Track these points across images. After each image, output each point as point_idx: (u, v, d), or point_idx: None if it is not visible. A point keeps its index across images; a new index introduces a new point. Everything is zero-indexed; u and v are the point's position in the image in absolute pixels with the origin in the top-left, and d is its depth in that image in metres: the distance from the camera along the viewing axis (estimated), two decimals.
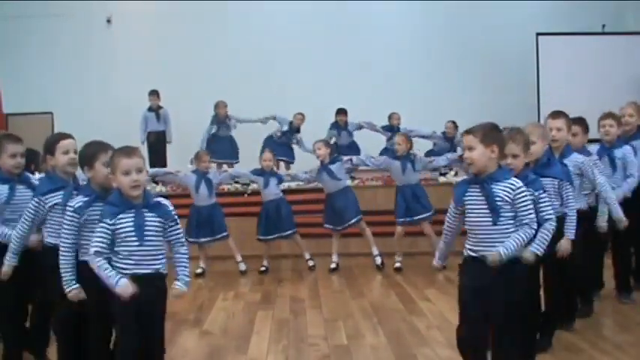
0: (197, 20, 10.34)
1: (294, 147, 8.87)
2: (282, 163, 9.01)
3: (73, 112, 9.79)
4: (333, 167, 6.25)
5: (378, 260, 6.33)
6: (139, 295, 2.79)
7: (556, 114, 3.81)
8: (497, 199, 2.81)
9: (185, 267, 2.98)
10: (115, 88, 10.03)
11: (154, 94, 9.01)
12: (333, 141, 8.89)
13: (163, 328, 3.01)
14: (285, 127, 8.78)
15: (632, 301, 4.66)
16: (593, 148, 4.65)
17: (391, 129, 8.66)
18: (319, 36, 10.33)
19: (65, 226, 3.01)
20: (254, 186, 7.18)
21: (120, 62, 10.25)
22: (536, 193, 3.04)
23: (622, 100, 5.11)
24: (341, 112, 8.75)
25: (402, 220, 6.21)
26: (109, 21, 10.45)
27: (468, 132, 2.89)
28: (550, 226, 3.00)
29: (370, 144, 8.56)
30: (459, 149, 6.69)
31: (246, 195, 7.12)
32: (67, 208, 3.03)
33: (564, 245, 3.49)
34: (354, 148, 8.56)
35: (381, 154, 8.51)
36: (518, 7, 10.33)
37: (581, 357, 3.60)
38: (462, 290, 2.96)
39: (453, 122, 8.54)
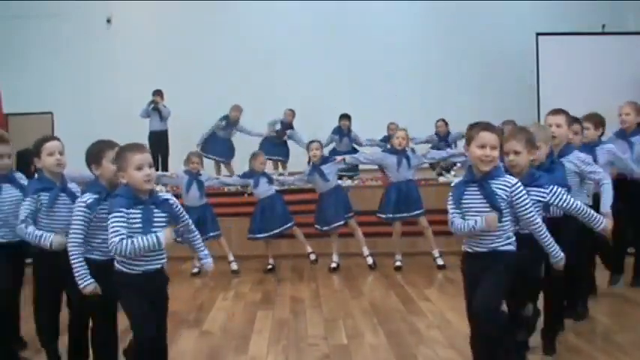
0: (197, 20, 10.35)
1: (290, 146, 8.84)
2: (278, 163, 9.04)
3: (73, 112, 9.82)
4: (324, 167, 6.27)
5: (370, 260, 6.35)
6: (151, 290, 2.86)
7: (556, 111, 3.78)
8: (497, 197, 2.83)
9: (203, 245, 3.21)
10: (115, 88, 10.04)
11: (158, 93, 9.01)
12: (332, 146, 8.88)
13: (166, 325, 3.05)
14: (278, 126, 8.78)
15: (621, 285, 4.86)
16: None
17: (390, 139, 8.65)
18: (319, 36, 10.35)
19: (76, 222, 3.02)
20: None
21: (120, 62, 10.26)
22: (547, 190, 3.05)
23: (622, 100, 5.14)
24: (344, 117, 8.72)
25: (386, 216, 6.20)
26: (109, 21, 10.47)
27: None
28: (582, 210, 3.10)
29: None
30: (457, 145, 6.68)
31: (246, 195, 7.10)
32: (79, 203, 3.04)
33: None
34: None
35: None
36: (518, 7, 10.34)
37: (582, 358, 3.60)
38: (465, 288, 3.00)
39: (443, 120, 8.58)
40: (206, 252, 3.20)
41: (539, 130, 3.45)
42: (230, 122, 8.78)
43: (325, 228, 6.31)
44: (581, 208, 3.09)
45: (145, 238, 2.75)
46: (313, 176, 6.31)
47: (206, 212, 6.31)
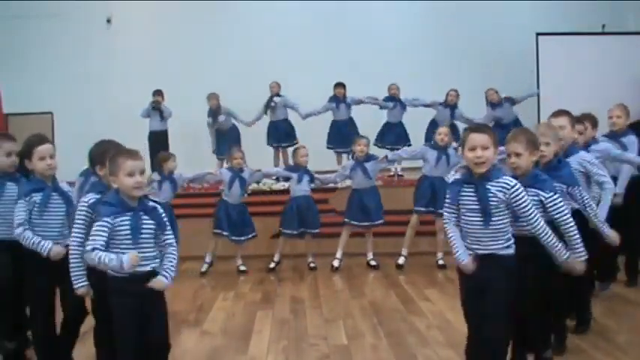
0: (197, 20, 10.35)
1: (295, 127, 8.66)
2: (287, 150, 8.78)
3: (73, 112, 9.81)
4: (368, 165, 6.30)
5: (373, 262, 6.38)
6: (138, 294, 2.83)
7: (558, 112, 3.79)
8: (494, 200, 2.82)
9: (172, 263, 2.95)
10: (115, 88, 10.03)
11: (159, 93, 8.99)
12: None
13: (167, 323, 3.03)
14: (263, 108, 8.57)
15: (609, 290, 4.86)
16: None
17: (392, 99, 8.62)
18: (319, 36, 10.33)
19: (77, 223, 3.04)
20: (254, 185, 7.16)
21: (120, 62, 10.25)
22: (547, 195, 3.00)
23: (622, 100, 5.13)
24: (339, 85, 8.53)
25: (420, 209, 6.21)
26: (109, 21, 10.46)
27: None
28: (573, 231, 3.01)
29: (368, 120, 8.52)
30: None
31: (246, 195, 7.09)
32: (82, 203, 3.06)
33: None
34: (351, 125, 8.39)
35: (383, 127, 8.53)
36: (518, 7, 10.34)
37: (582, 358, 3.60)
38: (462, 290, 2.99)
39: (456, 91, 8.58)
40: (171, 274, 2.93)
41: (548, 128, 3.44)
42: (213, 112, 8.54)
43: (365, 223, 6.31)
44: (571, 229, 2.98)
45: (111, 257, 2.74)
46: (355, 172, 6.32)
47: (245, 210, 6.33)
